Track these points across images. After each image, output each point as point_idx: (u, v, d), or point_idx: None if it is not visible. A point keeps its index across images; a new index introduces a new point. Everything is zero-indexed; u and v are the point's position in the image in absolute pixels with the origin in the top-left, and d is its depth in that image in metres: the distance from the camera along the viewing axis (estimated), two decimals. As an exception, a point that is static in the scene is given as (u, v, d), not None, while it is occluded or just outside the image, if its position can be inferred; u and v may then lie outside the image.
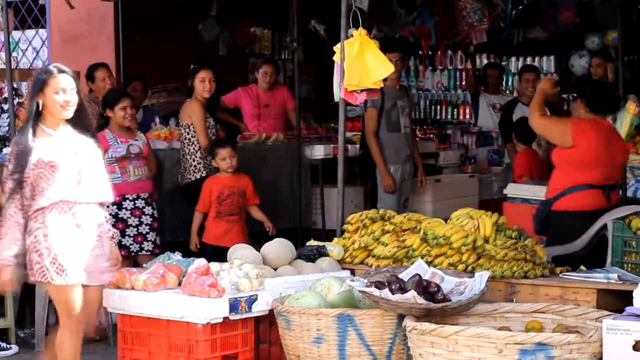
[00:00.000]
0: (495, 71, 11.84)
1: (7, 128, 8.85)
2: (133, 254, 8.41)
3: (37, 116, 5.70)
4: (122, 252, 8.31)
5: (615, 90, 8.52)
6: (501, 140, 10.80)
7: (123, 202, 8.39)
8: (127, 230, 8.41)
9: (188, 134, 8.96)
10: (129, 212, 8.42)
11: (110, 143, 8.40)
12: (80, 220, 5.73)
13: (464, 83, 13.51)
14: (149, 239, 8.48)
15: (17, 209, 5.62)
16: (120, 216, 8.38)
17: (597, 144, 7.19)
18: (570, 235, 7.03)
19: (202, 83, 8.95)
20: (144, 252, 8.41)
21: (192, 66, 9.39)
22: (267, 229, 8.65)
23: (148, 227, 8.48)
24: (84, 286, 5.74)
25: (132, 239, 8.42)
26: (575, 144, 7.19)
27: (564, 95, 12.40)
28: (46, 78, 5.70)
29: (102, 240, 5.84)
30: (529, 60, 12.72)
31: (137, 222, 8.44)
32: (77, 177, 5.71)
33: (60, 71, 5.75)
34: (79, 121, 5.80)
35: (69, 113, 5.73)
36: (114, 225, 8.31)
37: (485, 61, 13.18)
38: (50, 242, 5.63)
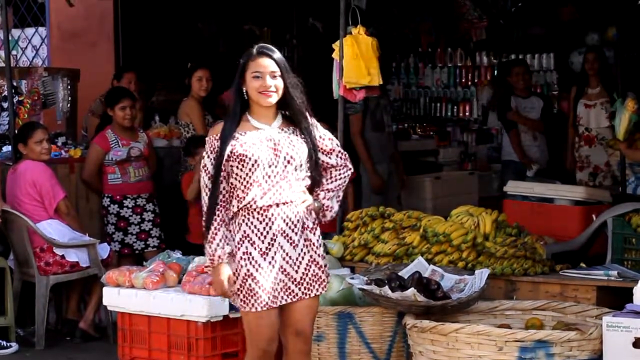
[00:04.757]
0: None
1: (6, 126, 8.85)
2: (137, 251, 8.42)
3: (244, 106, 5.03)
4: (126, 250, 8.35)
5: None
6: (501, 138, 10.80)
7: (124, 201, 8.40)
8: (129, 228, 8.42)
9: (187, 132, 8.97)
10: (130, 210, 8.42)
11: (111, 145, 8.41)
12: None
13: (463, 80, 13.51)
14: (153, 234, 8.50)
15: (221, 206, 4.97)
16: (122, 214, 8.39)
17: None
18: None
19: (199, 82, 9.02)
20: (149, 249, 8.42)
21: (189, 65, 9.39)
22: None
23: (151, 223, 8.50)
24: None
25: (135, 236, 8.43)
26: None
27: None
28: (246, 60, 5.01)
29: None
30: (528, 57, 12.70)
31: (139, 220, 8.45)
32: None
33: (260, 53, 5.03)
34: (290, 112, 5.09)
35: (272, 99, 5.03)
36: (115, 224, 8.38)
37: (485, 58, 13.18)
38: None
